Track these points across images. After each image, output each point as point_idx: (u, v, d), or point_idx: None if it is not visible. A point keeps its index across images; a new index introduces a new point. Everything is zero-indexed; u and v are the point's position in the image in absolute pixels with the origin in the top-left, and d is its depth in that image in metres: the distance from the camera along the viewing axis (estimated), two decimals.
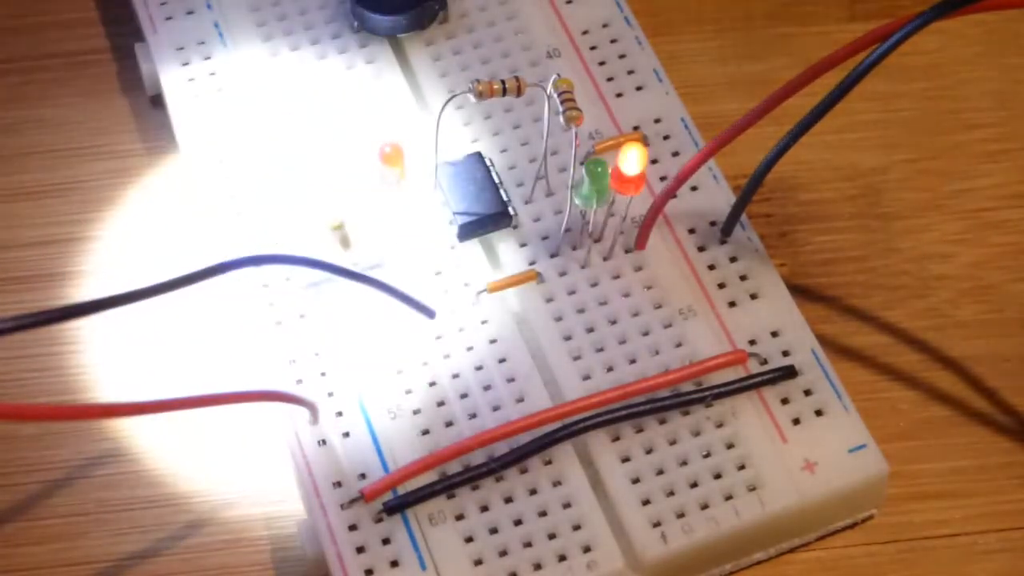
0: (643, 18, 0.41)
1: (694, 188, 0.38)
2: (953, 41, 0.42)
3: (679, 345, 0.35)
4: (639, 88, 0.39)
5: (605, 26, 0.40)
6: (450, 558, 0.33)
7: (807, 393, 0.35)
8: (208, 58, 0.40)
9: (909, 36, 0.31)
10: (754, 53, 0.42)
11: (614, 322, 0.36)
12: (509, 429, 0.34)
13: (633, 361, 0.35)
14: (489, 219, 0.37)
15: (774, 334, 0.36)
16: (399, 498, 0.33)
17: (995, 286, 0.39)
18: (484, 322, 0.36)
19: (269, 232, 0.37)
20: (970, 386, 0.37)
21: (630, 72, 0.40)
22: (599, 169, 0.34)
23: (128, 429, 0.37)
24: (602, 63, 0.40)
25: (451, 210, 0.37)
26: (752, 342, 0.36)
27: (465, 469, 0.34)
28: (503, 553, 0.33)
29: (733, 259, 0.37)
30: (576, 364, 0.35)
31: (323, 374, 0.35)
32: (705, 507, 0.34)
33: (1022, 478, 0.36)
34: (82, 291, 0.39)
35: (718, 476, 0.34)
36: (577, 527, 0.33)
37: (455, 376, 0.35)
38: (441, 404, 0.35)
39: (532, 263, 0.37)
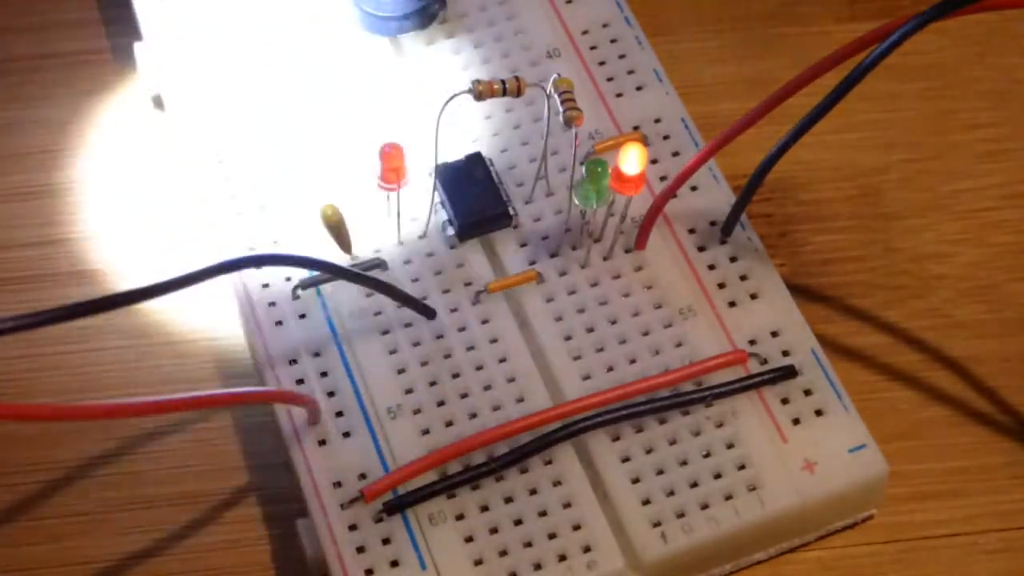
0: (643, 18, 0.41)
1: (694, 188, 0.38)
2: (953, 41, 0.42)
3: (679, 345, 0.35)
4: (639, 88, 0.39)
5: (605, 26, 0.40)
6: (450, 558, 0.33)
7: (807, 393, 0.35)
8: (208, 58, 0.40)
9: (909, 36, 0.31)
10: (754, 53, 0.42)
11: (614, 322, 0.36)
12: (509, 429, 0.34)
13: (633, 361, 0.35)
14: (489, 219, 0.37)
15: (774, 334, 0.36)
16: (399, 498, 0.33)
17: (995, 286, 0.39)
18: (484, 322, 0.36)
19: (269, 232, 0.37)
20: (970, 386, 0.37)
21: (630, 72, 0.40)
22: (599, 169, 0.34)
23: (128, 429, 0.37)
24: (602, 63, 0.40)
25: (451, 210, 0.37)
26: (752, 342, 0.36)
27: (465, 469, 0.34)
28: (503, 553, 0.33)
29: (733, 259, 0.37)
30: (576, 364, 0.35)
31: (323, 374, 0.35)
32: (705, 507, 0.34)
33: (1022, 478, 0.36)
34: (82, 291, 0.39)
35: (718, 476, 0.34)
36: (577, 527, 0.33)
37: (455, 376, 0.35)
38: (441, 404, 0.35)
39: (532, 263, 0.37)
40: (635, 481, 0.34)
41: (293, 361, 0.35)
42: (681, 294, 0.36)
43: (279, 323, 0.36)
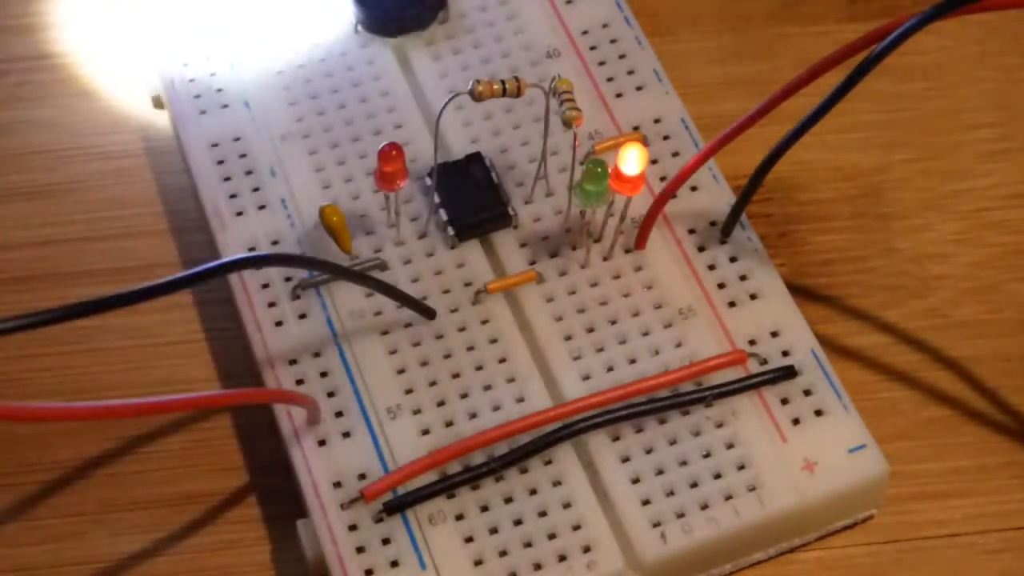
0: (643, 18, 0.41)
1: (694, 188, 0.38)
2: (953, 41, 0.42)
3: (679, 345, 0.35)
4: (639, 88, 0.39)
5: (605, 26, 0.40)
6: (450, 558, 0.33)
7: (807, 393, 0.35)
8: (208, 58, 0.40)
9: (909, 36, 0.31)
10: (754, 53, 0.42)
11: (614, 322, 0.36)
12: (509, 429, 0.34)
13: (633, 361, 0.35)
14: (489, 219, 0.37)
15: (774, 334, 0.36)
16: (399, 498, 0.33)
17: (995, 286, 0.39)
18: (484, 322, 0.36)
19: (269, 232, 0.37)
20: (970, 386, 0.37)
21: (630, 72, 0.40)
22: (599, 169, 0.34)
23: (128, 429, 0.37)
24: (602, 63, 0.40)
25: (451, 210, 0.37)
26: (752, 342, 0.36)
27: (465, 469, 0.34)
28: (503, 553, 0.33)
29: (733, 259, 0.37)
30: (576, 364, 0.35)
31: (323, 374, 0.35)
32: (705, 507, 0.34)
33: (1022, 478, 0.36)
34: (82, 291, 0.39)
35: (718, 476, 0.34)
36: (577, 527, 0.33)
37: (455, 376, 0.35)
38: (441, 404, 0.35)
39: (532, 263, 0.37)
40: (635, 481, 0.34)
41: (293, 361, 0.35)
42: (681, 294, 0.36)
43: (279, 323, 0.36)
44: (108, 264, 0.39)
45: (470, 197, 0.37)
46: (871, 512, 0.35)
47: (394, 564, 0.33)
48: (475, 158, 0.38)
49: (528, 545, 0.33)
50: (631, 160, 0.34)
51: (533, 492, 0.34)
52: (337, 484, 0.34)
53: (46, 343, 0.38)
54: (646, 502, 0.34)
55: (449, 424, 0.35)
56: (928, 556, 0.35)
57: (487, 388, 0.35)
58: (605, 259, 0.37)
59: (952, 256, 0.39)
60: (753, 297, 0.36)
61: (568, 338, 0.36)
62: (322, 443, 0.34)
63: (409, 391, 0.35)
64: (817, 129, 0.33)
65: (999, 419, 0.37)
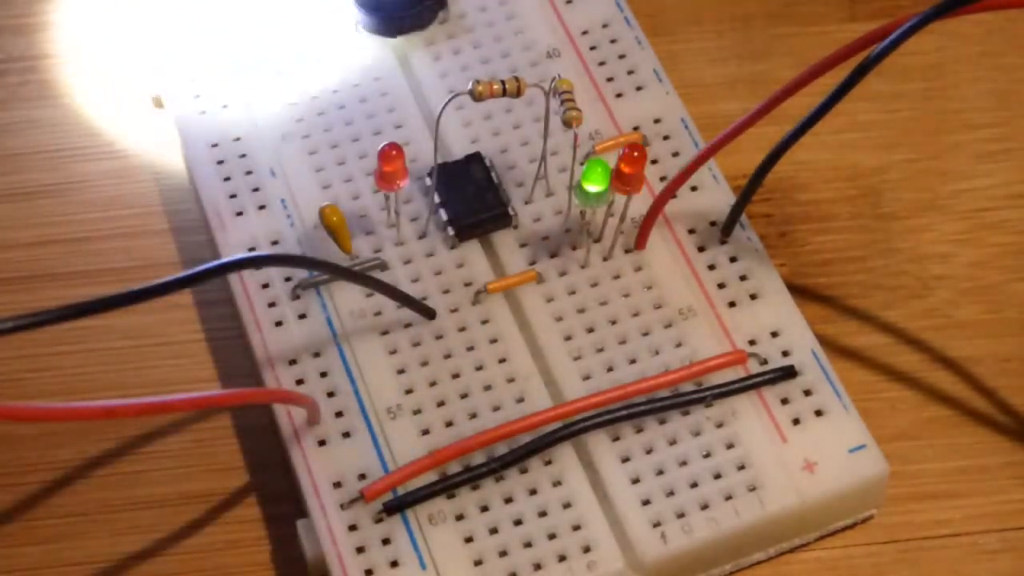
0: (643, 18, 0.41)
1: (694, 188, 0.38)
2: (953, 41, 0.42)
3: (679, 345, 0.35)
4: (639, 88, 0.39)
5: (605, 26, 0.40)
6: (450, 558, 0.33)
7: (807, 393, 0.35)
8: (208, 59, 0.40)
9: (909, 36, 0.31)
10: (754, 53, 0.42)
11: (614, 322, 0.36)
12: (509, 429, 0.34)
13: (633, 361, 0.35)
14: (489, 219, 0.37)
15: (774, 334, 0.36)
16: (399, 498, 0.33)
17: (995, 286, 0.39)
18: (484, 322, 0.36)
19: (269, 232, 0.37)
20: (970, 386, 0.37)
21: (630, 72, 0.40)
22: (599, 169, 0.34)
23: (128, 429, 0.37)
24: (602, 63, 0.40)
25: (451, 210, 0.37)
26: (752, 342, 0.36)
27: (465, 469, 0.34)
28: (503, 553, 0.33)
29: (733, 259, 0.37)
30: (576, 364, 0.35)
31: (323, 374, 0.35)
32: (705, 507, 0.34)
33: (1022, 478, 0.36)
34: (82, 291, 0.39)
35: (718, 476, 0.34)
36: (577, 527, 0.33)
37: (455, 376, 0.35)
38: (441, 404, 0.35)
39: (532, 263, 0.37)
40: (635, 481, 0.34)
41: (293, 361, 0.35)
42: (681, 294, 0.36)
43: (279, 323, 0.36)
44: (108, 264, 0.39)
45: (470, 197, 0.37)
46: (871, 512, 0.35)
47: (394, 564, 0.33)
48: (475, 158, 0.38)
49: (528, 545, 0.33)
50: (631, 160, 0.34)
51: (533, 492, 0.34)
52: (337, 484, 0.34)
53: (46, 343, 0.38)
54: (646, 502, 0.34)
55: (449, 424, 0.35)
56: (928, 556, 0.35)
57: (487, 388, 0.35)
58: (605, 259, 0.37)
59: (952, 256, 0.39)
60: (753, 297, 0.36)
61: (568, 338, 0.36)
62: (322, 443, 0.34)
63: (409, 391, 0.35)
64: (817, 129, 0.33)
65: (999, 419, 0.37)
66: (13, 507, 0.36)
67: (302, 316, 0.36)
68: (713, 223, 0.37)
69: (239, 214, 0.38)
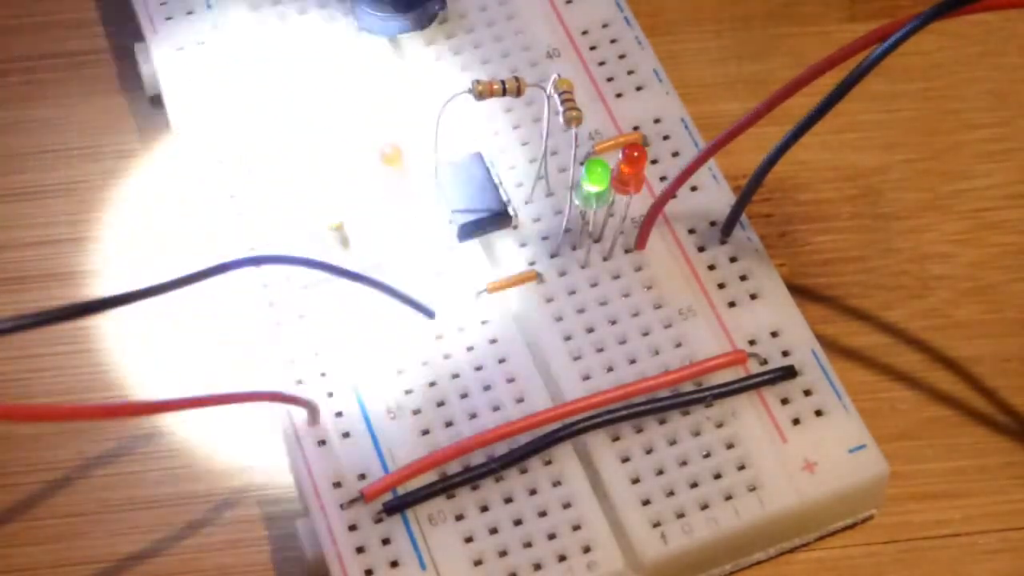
0: (643, 18, 0.41)
1: (694, 188, 0.38)
2: (953, 41, 0.42)
3: (679, 345, 0.35)
4: (639, 88, 0.39)
5: (605, 26, 0.40)
6: (450, 558, 0.33)
7: (807, 393, 0.35)
8: (209, 59, 0.40)
9: (909, 36, 0.31)
10: (754, 53, 0.42)
11: (614, 322, 0.36)
12: (509, 429, 0.34)
13: (633, 361, 0.35)
14: (489, 219, 0.37)
15: (774, 334, 0.36)
16: (399, 498, 0.34)
17: (995, 286, 0.39)
18: (484, 322, 0.36)
19: (269, 232, 0.37)
20: (970, 386, 0.37)
21: (630, 72, 0.40)
22: (599, 169, 0.34)
23: (128, 429, 0.37)
24: (602, 63, 0.40)
25: (451, 210, 0.37)
26: (752, 342, 0.36)
27: (465, 469, 0.34)
28: (503, 553, 0.33)
29: (733, 259, 0.37)
30: (576, 364, 0.35)
31: (323, 374, 0.35)
32: (705, 507, 0.34)
33: (1022, 478, 0.36)
34: (82, 291, 0.39)
35: (718, 476, 0.34)
36: (577, 527, 0.33)
37: (455, 376, 0.35)
38: (441, 404, 0.35)
39: (532, 263, 0.37)
40: (635, 481, 0.34)
41: (293, 361, 0.35)
42: (681, 294, 0.36)
43: (279, 323, 0.36)
44: (108, 264, 0.39)
45: (470, 198, 0.37)
46: (871, 512, 0.35)
47: (394, 564, 0.33)
48: (475, 158, 0.38)
49: (528, 545, 0.33)
50: (631, 160, 0.34)
51: (533, 492, 0.34)
52: (337, 484, 0.34)
53: (46, 343, 0.38)
54: (646, 502, 0.34)
55: (449, 424, 0.35)
56: (928, 556, 0.35)
57: (487, 388, 0.35)
58: (605, 259, 0.37)
59: (952, 256, 0.39)
60: (753, 297, 0.36)
61: (568, 338, 0.36)
62: (322, 443, 0.34)
63: (409, 391, 0.35)
64: (817, 129, 0.33)
65: (999, 419, 0.37)
66: (13, 507, 0.36)
67: (302, 316, 0.36)
68: (713, 223, 0.37)
69: (239, 215, 0.37)
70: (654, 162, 0.38)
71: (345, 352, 0.35)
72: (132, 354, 0.38)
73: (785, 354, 0.35)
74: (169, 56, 0.40)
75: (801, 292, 0.38)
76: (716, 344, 0.35)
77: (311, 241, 0.37)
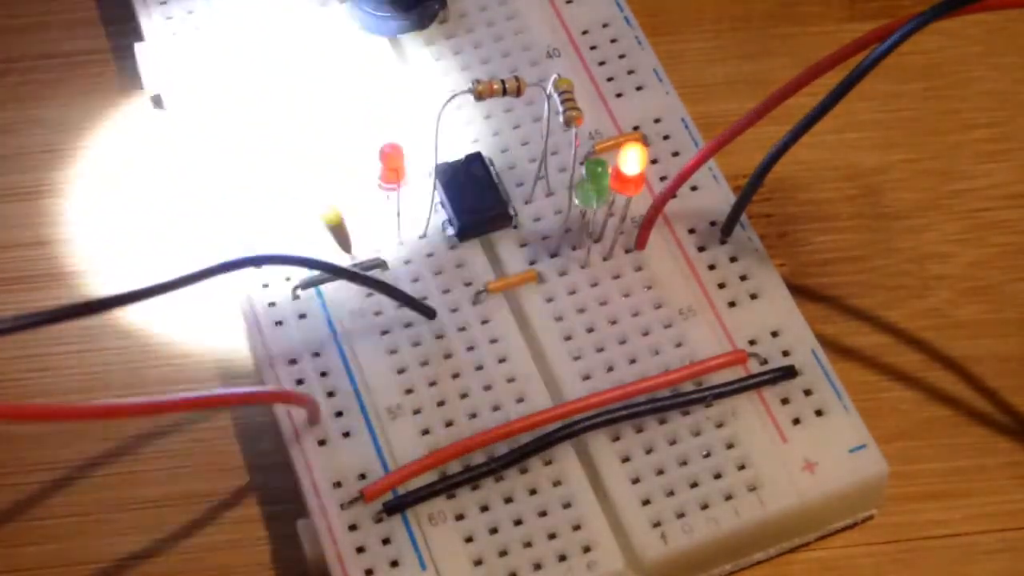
0: (643, 18, 0.41)
1: (694, 188, 0.38)
2: (953, 41, 0.42)
3: (679, 345, 0.35)
4: (639, 88, 0.39)
5: (605, 26, 0.40)
6: (450, 558, 0.33)
7: (807, 393, 0.35)
8: (208, 59, 0.40)
9: (909, 36, 0.31)
10: (754, 53, 0.42)
11: (614, 322, 0.36)
12: (509, 429, 0.34)
13: (633, 361, 0.35)
14: (489, 219, 0.37)
15: (774, 334, 0.36)
16: (399, 498, 0.33)
17: (995, 286, 0.39)
18: (484, 322, 0.36)
19: (269, 232, 0.37)
20: (970, 386, 0.37)
21: (630, 72, 0.40)
22: (599, 169, 0.34)
23: (128, 429, 0.37)
24: (602, 63, 0.40)
25: (451, 210, 0.37)
26: (752, 342, 0.36)
27: (465, 469, 0.34)
28: (503, 553, 0.33)
29: (733, 259, 0.37)
30: (576, 364, 0.35)
31: (323, 374, 0.35)
32: (705, 507, 0.34)
33: (1022, 478, 0.36)
34: (82, 291, 0.39)
35: (718, 476, 0.34)
36: (577, 527, 0.33)
37: (455, 376, 0.35)
38: (441, 404, 0.35)
39: (532, 263, 0.37)
40: (635, 481, 0.34)
41: (293, 361, 0.35)
42: (681, 294, 0.36)
43: (279, 323, 0.36)
44: (108, 264, 0.39)
45: (470, 197, 0.37)
46: (871, 512, 0.35)
47: (394, 564, 0.33)
48: (475, 158, 0.38)
49: (528, 545, 0.33)
50: (631, 160, 0.34)
51: (533, 492, 0.34)
52: (337, 484, 0.34)
53: (46, 343, 0.38)
54: (646, 502, 0.34)
55: (449, 424, 0.35)
56: (928, 556, 0.35)
57: (487, 388, 0.35)
58: (605, 259, 0.37)
59: (952, 256, 0.39)
60: (753, 297, 0.36)
61: (568, 338, 0.36)
62: (322, 443, 0.34)
63: (409, 391, 0.35)
64: (817, 129, 0.33)
65: (999, 419, 0.37)
66: (13, 507, 0.36)
67: (302, 316, 0.36)
68: (713, 223, 0.37)
69: (239, 214, 0.37)
70: (654, 162, 0.38)
71: (346, 352, 0.35)
72: (132, 354, 0.38)
73: (785, 354, 0.35)
74: (169, 56, 0.40)
75: (801, 292, 0.38)
76: (716, 344, 0.35)
77: (311, 241, 0.37)
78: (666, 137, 0.39)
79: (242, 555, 0.35)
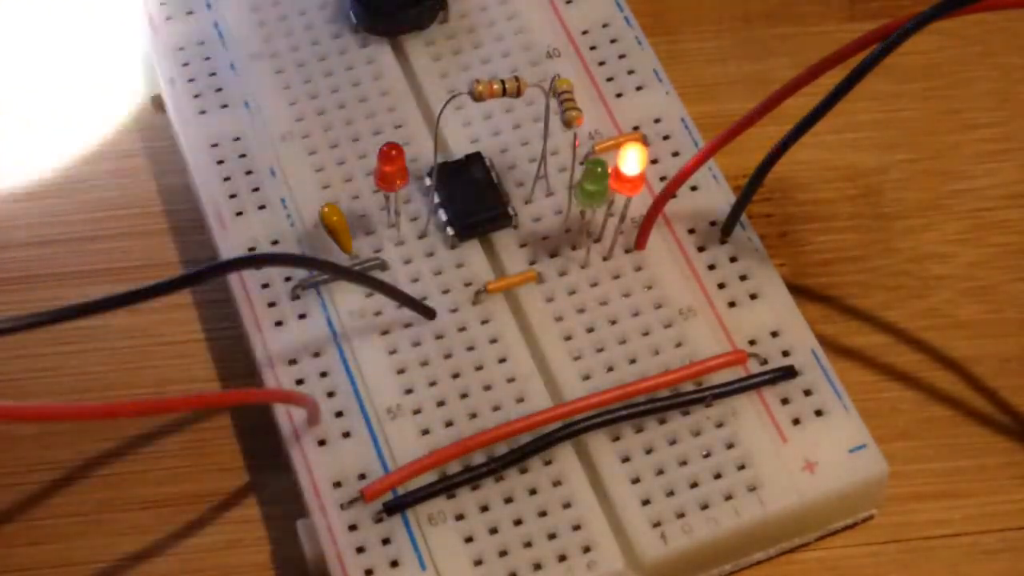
0: (643, 18, 0.41)
1: (694, 188, 0.38)
2: (953, 41, 0.42)
3: (679, 345, 0.35)
4: (639, 88, 0.39)
5: (605, 26, 0.40)
6: (450, 558, 0.33)
7: (807, 393, 0.35)
8: (208, 58, 0.40)
9: (909, 36, 0.31)
10: (754, 53, 0.42)
11: (614, 322, 0.36)
12: (509, 429, 0.34)
13: (633, 361, 0.35)
14: (489, 219, 0.37)
15: (774, 334, 0.36)
16: (399, 498, 0.33)
17: (995, 286, 0.39)
18: (484, 322, 0.36)
19: (269, 232, 0.37)
20: (970, 386, 0.37)
21: (630, 72, 0.40)
22: (599, 169, 0.34)
23: (128, 429, 0.37)
24: (602, 63, 0.40)
25: (451, 210, 0.37)
26: (752, 342, 0.36)
27: (465, 469, 0.34)
28: (503, 553, 0.33)
29: (733, 259, 0.37)
30: (576, 364, 0.35)
31: (323, 374, 0.35)
32: (705, 507, 0.34)
33: (1022, 478, 0.36)
34: (82, 291, 0.39)
35: (718, 476, 0.34)
36: (577, 527, 0.33)
37: (455, 376, 0.35)
38: (441, 404, 0.35)
39: (532, 263, 0.37)
40: (635, 481, 0.34)
41: (293, 361, 0.35)
42: (681, 294, 0.36)
43: (279, 323, 0.36)
44: (108, 264, 0.39)
45: (470, 197, 0.37)
46: (871, 512, 0.35)
47: (394, 564, 0.33)
48: (475, 158, 0.38)
49: (528, 545, 0.33)
50: (631, 160, 0.34)
51: (533, 492, 0.34)
52: (337, 484, 0.34)
53: (46, 343, 0.38)
54: (646, 502, 0.34)
55: (449, 424, 0.35)
56: (928, 556, 0.35)
57: (487, 388, 0.35)
58: (605, 259, 0.37)
59: (952, 256, 0.39)
60: (753, 297, 0.36)
61: (568, 338, 0.36)
62: (322, 443, 0.34)
63: (409, 391, 0.35)
64: (817, 129, 0.33)
65: (999, 419, 0.37)
66: (13, 507, 0.36)
67: (302, 316, 0.36)
68: (713, 223, 0.37)
69: (239, 214, 0.38)
70: (654, 162, 0.38)
71: (346, 352, 0.35)
72: (133, 354, 0.38)
73: (785, 354, 0.35)
74: (169, 56, 0.40)
75: (801, 292, 0.38)
76: (716, 344, 0.35)
77: (311, 241, 0.37)
78: (666, 137, 0.39)
79: (242, 555, 0.35)
